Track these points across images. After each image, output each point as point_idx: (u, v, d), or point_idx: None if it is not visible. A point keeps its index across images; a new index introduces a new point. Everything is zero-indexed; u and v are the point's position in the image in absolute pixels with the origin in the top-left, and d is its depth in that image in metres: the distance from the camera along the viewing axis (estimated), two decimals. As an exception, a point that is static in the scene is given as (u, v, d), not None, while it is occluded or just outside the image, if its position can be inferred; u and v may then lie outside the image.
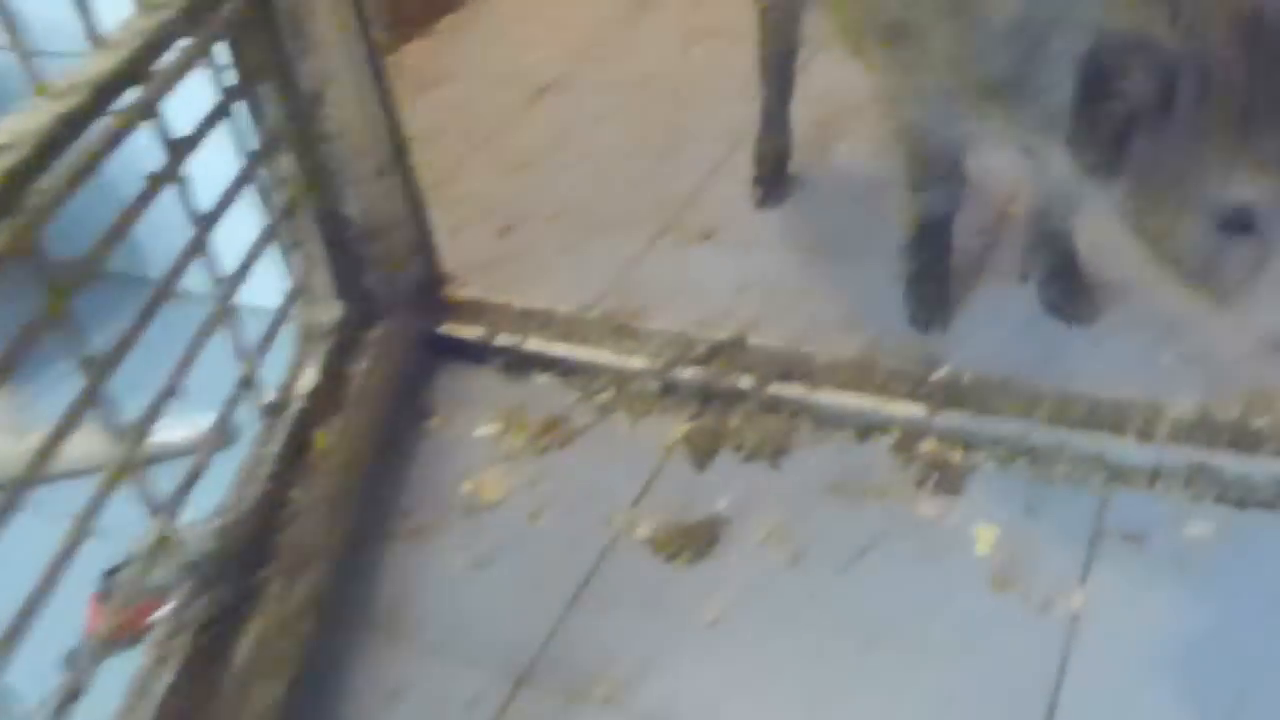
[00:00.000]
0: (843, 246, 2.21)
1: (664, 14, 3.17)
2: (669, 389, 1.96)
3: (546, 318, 2.13)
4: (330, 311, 1.89)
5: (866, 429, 1.82)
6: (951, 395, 1.80)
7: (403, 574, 1.73)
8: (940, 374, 1.84)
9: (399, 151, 2.04)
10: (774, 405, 1.88)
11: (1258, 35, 1.32)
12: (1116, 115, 1.36)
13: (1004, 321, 1.96)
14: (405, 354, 2.07)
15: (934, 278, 2.02)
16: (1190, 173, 1.36)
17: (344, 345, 1.90)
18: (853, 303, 2.06)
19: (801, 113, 2.40)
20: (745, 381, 1.90)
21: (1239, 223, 1.35)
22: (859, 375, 1.87)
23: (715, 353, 1.96)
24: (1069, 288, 1.97)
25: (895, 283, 2.02)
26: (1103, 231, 1.56)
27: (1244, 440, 1.62)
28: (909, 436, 1.79)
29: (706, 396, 1.93)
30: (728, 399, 1.91)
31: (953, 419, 1.77)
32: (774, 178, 2.38)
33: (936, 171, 1.91)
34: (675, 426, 1.89)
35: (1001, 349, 1.90)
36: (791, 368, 1.90)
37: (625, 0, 3.24)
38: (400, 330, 2.05)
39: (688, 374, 1.94)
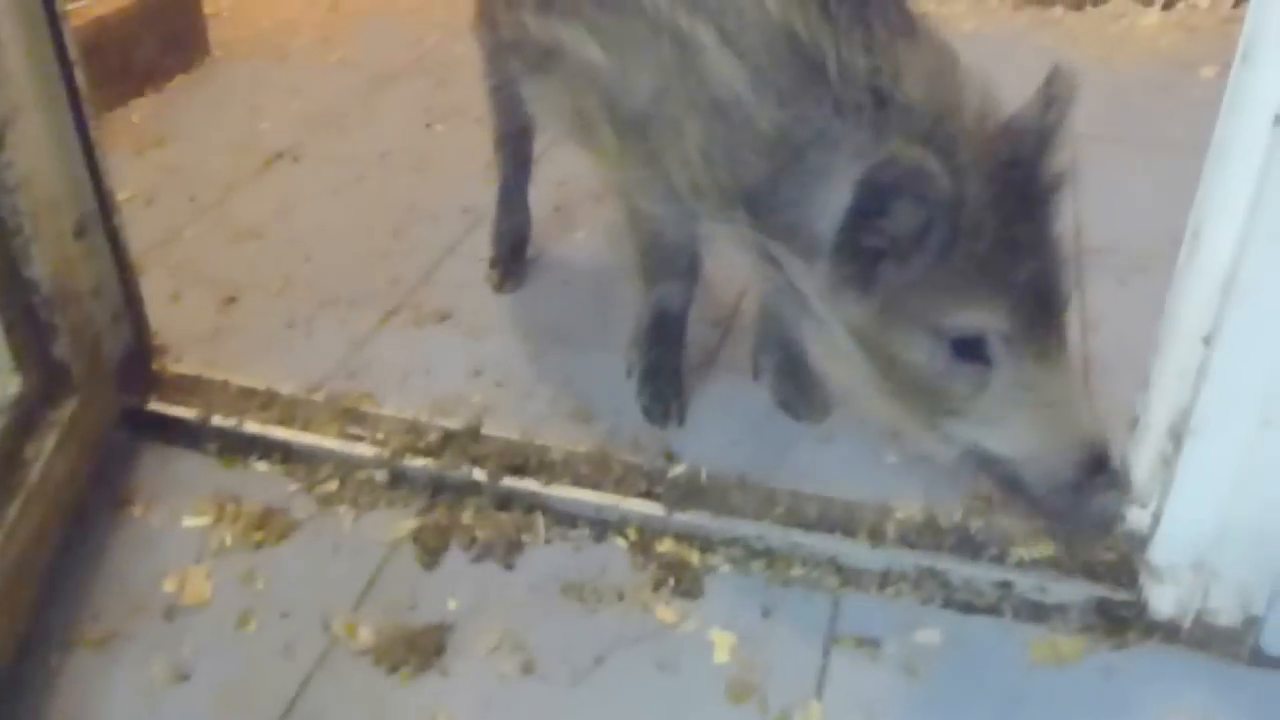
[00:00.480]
0: (580, 334, 2.15)
1: (407, 89, 3.07)
2: (397, 480, 1.81)
3: (267, 398, 1.94)
4: (5, 385, 1.65)
5: (603, 527, 1.74)
6: (689, 493, 1.75)
7: (85, 688, 1.49)
8: (677, 471, 1.79)
9: (104, 209, 1.83)
10: (507, 500, 1.77)
11: (1010, 180, 1.37)
12: (879, 239, 1.37)
13: (738, 417, 1.94)
14: (102, 434, 1.83)
15: (668, 371, 1.98)
16: (931, 298, 1.38)
17: (23, 423, 1.66)
18: (589, 393, 2.00)
19: (541, 196, 2.34)
20: (478, 474, 1.79)
21: (969, 350, 1.38)
22: (595, 470, 1.80)
23: (447, 442, 1.84)
24: (799, 385, 1.97)
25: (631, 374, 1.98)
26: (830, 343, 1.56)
27: (966, 545, 1.64)
28: (646, 536, 1.72)
29: (437, 489, 1.80)
30: (459, 492, 1.79)
31: (690, 518, 1.71)
32: (512, 260, 2.30)
33: (670, 267, 1.89)
34: (402, 521, 1.75)
35: (736, 445, 1.87)
36: (526, 460, 1.80)
37: (368, 72, 3.12)
38: (97, 407, 1.81)
39: (417, 464, 1.81)
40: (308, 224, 2.46)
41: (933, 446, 1.48)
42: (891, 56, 1.45)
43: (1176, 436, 1.51)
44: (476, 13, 2.08)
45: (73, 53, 1.70)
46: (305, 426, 1.89)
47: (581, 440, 1.86)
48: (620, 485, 1.77)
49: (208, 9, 3.31)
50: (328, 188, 2.59)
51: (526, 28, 1.82)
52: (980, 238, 1.35)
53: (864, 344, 1.47)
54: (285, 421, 1.89)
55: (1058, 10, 3.78)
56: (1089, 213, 2.50)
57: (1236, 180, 1.35)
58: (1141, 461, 1.59)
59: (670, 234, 1.81)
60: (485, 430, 1.87)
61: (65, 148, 1.71)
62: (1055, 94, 1.44)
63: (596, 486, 1.77)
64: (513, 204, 2.30)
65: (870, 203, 1.33)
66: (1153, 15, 3.69)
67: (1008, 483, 1.43)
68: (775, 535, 1.69)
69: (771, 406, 1.96)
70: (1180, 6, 3.72)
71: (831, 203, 1.42)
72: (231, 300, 2.22)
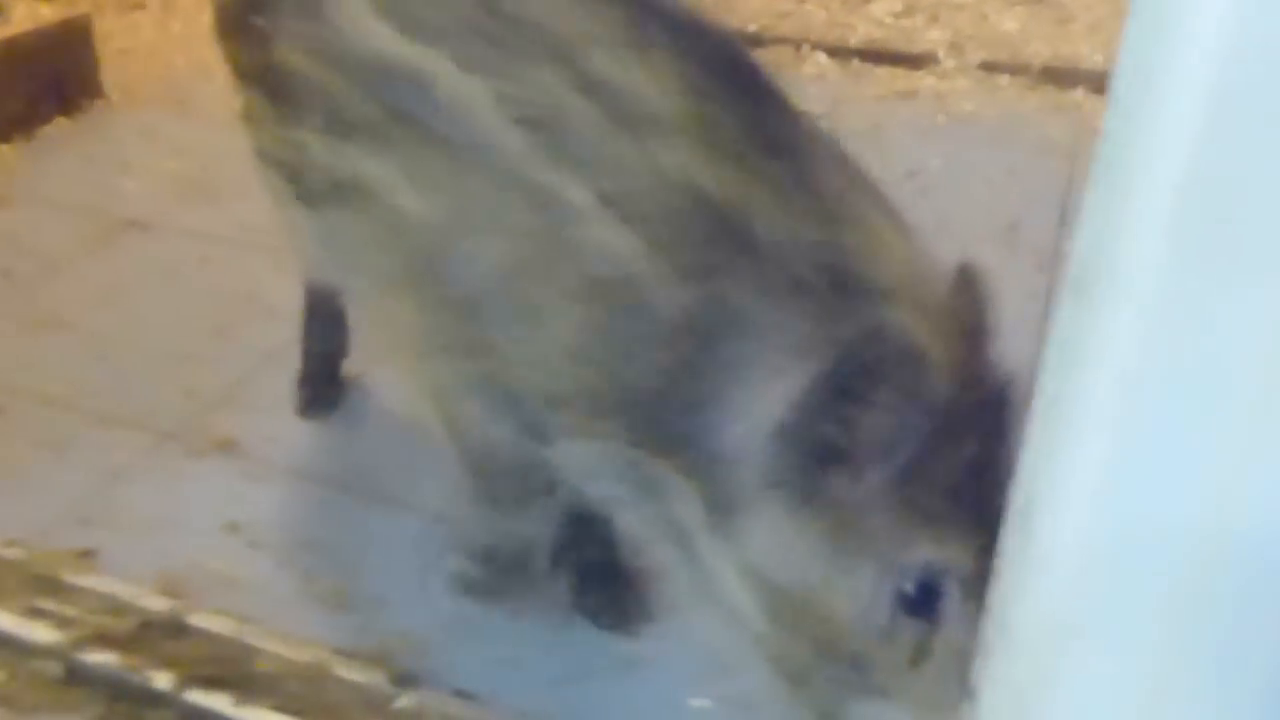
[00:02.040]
0: (387, 486, 1.73)
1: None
2: (73, 677, 1.42)
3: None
4: None
5: (300, 768, 1.33)
6: (411, 735, 1.33)
7: None
8: (405, 703, 1.36)
9: None
10: (193, 719, 1.37)
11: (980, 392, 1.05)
12: (841, 436, 1.03)
13: (523, 625, 1.51)
14: None
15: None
16: (885, 526, 1.04)
17: None
18: (362, 568, 1.58)
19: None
20: (161, 681, 1.38)
21: (921, 601, 1.03)
22: (306, 690, 1.38)
23: (142, 632, 1.44)
24: (610, 587, 1.53)
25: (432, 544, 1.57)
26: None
27: None
28: (345, 788, 1.30)
29: (116, 694, 1.40)
30: (140, 700, 1.39)
31: (404, 773, 1.29)
32: (322, 380, 1.88)
33: (521, 490, 1.41)
34: (63, 734, 1.36)
35: (506, 664, 1.44)
36: (225, 668, 1.40)
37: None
38: None
39: (98, 660, 1.41)
40: (124, 314, 2.08)
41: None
42: (845, 223, 1.10)
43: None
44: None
45: None
46: (-15, 595, 1.50)
47: (308, 642, 1.45)
48: (330, 713, 1.36)
49: (118, 44, 2.97)
50: (166, 268, 2.21)
51: (308, 150, 1.38)
52: (952, 456, 1.01)
53: (762, 588, 1.10)
54: (-37, 586, 1.51)
55: (1078, 93, 3.23)
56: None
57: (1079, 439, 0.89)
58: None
59: (506, 454, 1.35)
60: (199, 618, 1.47)
61: None
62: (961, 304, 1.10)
63: (300, 713, 1.35)
64: (322, 309, 1.83)
65: (845, 384, 1.00)
66: (1181, 107, 3.14)
67: None
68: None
69: (568, 614, 1.53)
70: (1217, 97, 3.16)
71: (752, 406, 1.07)
72: (-7, 407, 1.85)
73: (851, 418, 1.01)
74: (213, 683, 1.38)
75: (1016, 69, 3.35)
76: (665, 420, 1.13)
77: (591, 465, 1.22)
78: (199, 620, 1.46)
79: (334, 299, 1.83)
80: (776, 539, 1.08)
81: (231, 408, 1.87)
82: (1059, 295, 0.89)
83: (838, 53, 3.40)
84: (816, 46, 3.43)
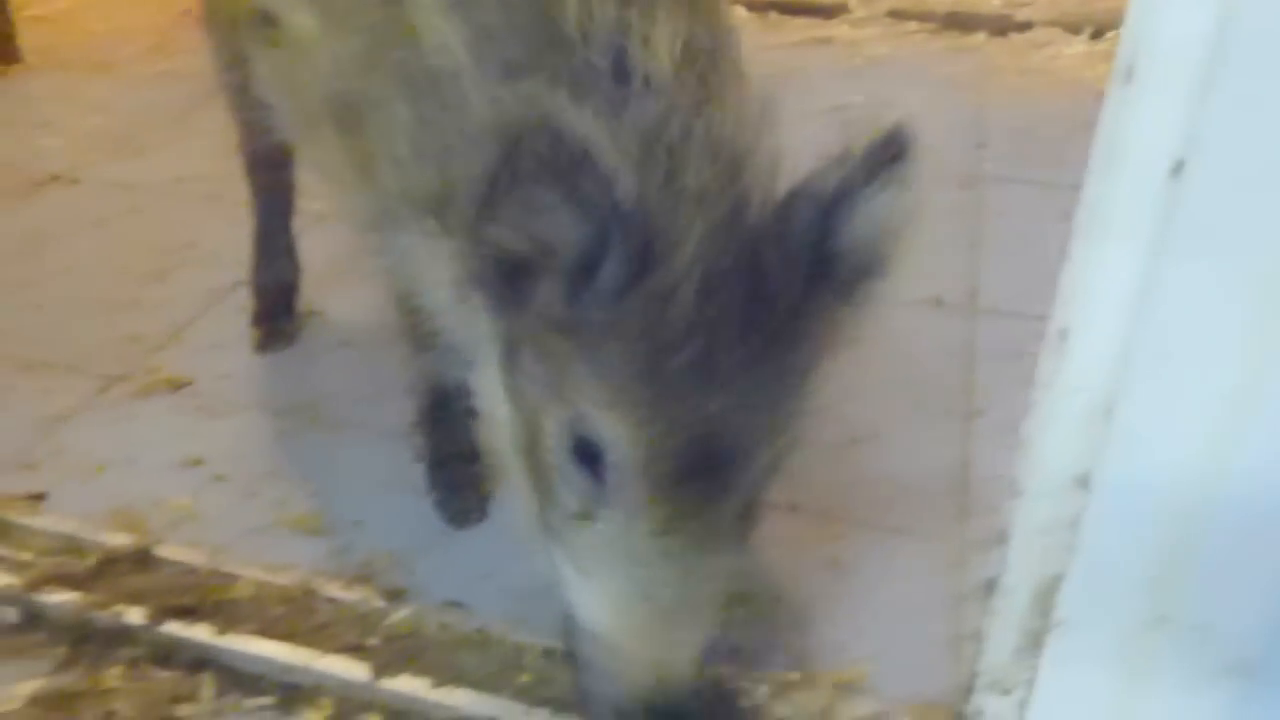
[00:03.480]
0: (348, 414, 1.60)
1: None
2: (32, 621, 1.27)
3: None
4: None
5: (292, 694, 1.20)
6: (407, 651, 1.21)
7: None
8: (397, 617, 1.24)
9: None
10: (169, 653, 1.23)
11: (756, 263, 0.86)
12: (520, 243, 0.87)
13: (506, 536, 1.40)
14: None
15: (460, 457, 1.43)
16: (574, 360, 0.87)
17: None
18: (332, 494, 1.45)
19: (321, 236, 1.79)
20: (132, 615, 1.24)
21: (586, 457, 0.88)
22: (291, 613, 1.25)
23: (103, 569, 1.29)
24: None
25: (398, 465, 1.44)
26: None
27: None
28: (345, 709, 1.18)
29: (80, 636, 1.25)
30: (108, 641, 1.24)
31: (401, 687, 1.17)
32: (277, 316, 1.74)
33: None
34: (25, 682, 1.20)
35: (489, 578, 1.33)
36: (201, 598, 1.26)
37: (190, 88, 2.55)
38: None
39: (59, 599, 1.26)
40: (57, 263, 1.90)
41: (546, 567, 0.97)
42: (650, 15, 0.95)
43: (1044, 611, 0.98)
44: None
45: None
46: (-75, 541, 1.34)
47: (288, 566, 1.32)
48: (320, 635, 1.23)
49: (34, 11, 2.76)
50: (96, 218, 2.03)
51: None
52: (675, 312, 0.83)
53: (507, 406, 0.98)
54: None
55: (979, 36, 3.22)
56: (988, 268, 1.98)
57: (1118, 262, 0.82)
58: (1002, 637, 1.06)
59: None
60: (167, 550, 1.33)
61: None
62: (877, 160, 0.90)
63: (288, 637, 1.23)
64: (273, 246, 1.73)
65: (506, 183, 0.83)
66: (1079, 44, 3.13)
67: (570, 658, 0.96)
68: (515, 716, 1.15)
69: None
70: (1111, 35, 3.16)
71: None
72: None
73: (521, 221, 0.85)
74: (188, 614, 1.24)
75: (923, 16, 3.33)
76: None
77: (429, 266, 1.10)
78: (167, 553, 1.32)
79: (287, 219, 1.71)
80: (507, 357, 0.97)
81: (180, 349, 1.71)
82: (1107, 89, 0.82)
83: (755, 5, 3.34)
84: (735, 1, 3.37)
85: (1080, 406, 0.89)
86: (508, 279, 0.89)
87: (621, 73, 0.93)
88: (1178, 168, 0.76)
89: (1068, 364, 0.88)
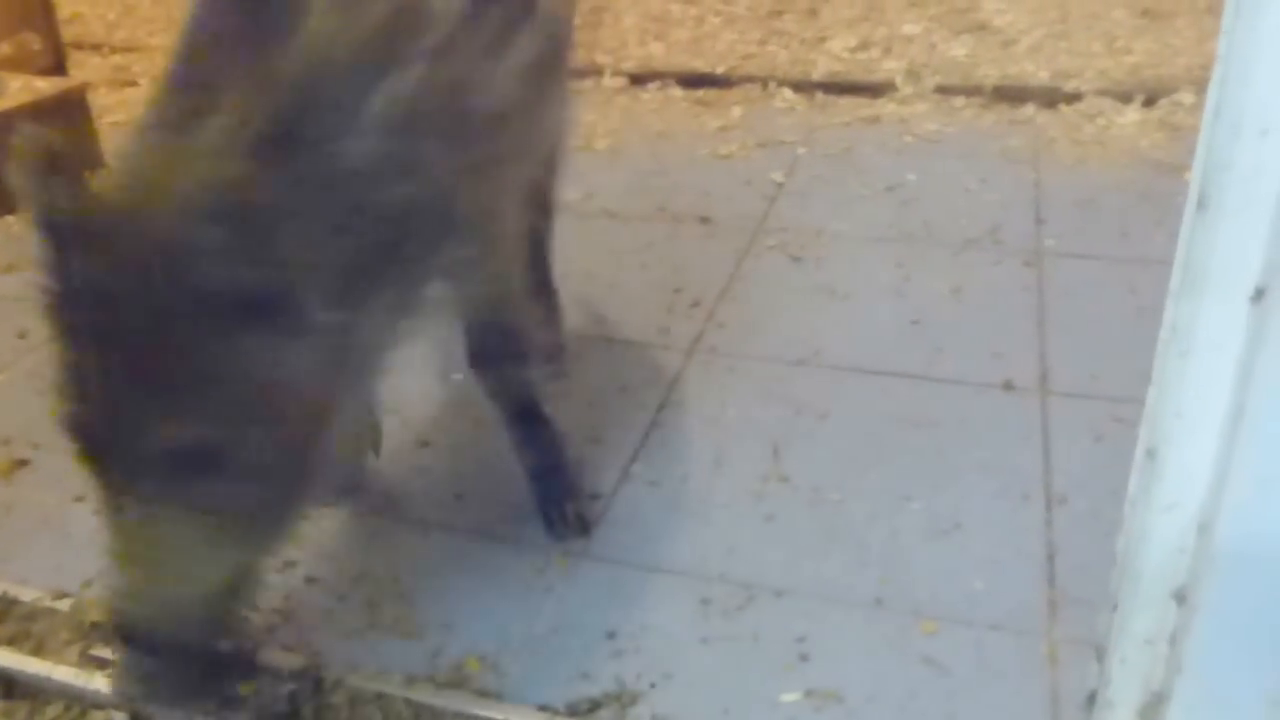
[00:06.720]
0: (423, 514, 1.62)
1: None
2: (136, 728, 1.30)
3: None
4: None
5: None
6: None
7: None
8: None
9: None
10: (272, 760, 1.25)
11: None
12: None
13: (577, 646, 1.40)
14: None
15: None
16: None
17: None
18: (417, 595, 1.47)
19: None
20: (236, 724, 1.26)
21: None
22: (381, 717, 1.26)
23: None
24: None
25: (484, 565, 1.46)
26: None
27: None
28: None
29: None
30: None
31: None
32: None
33: None
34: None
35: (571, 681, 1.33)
36: (298, 703, 1.28)
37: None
38: None
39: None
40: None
41: None
42: None
43: (1150, 720, 0.96)
44: None
45: None
46: None
47: (382, 672, 1.33)
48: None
49: (114, 118, 2.87)
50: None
51: None
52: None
53: None
54: None
55: (1029, 109, 3.22)
56: (1056, 347, 1.96)
57: (1208, 384, 0.82)
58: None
59: None
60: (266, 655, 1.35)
61: None
62: None
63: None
64: None
65: None
66: (1132, 113, 3.13)
67: None
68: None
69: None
70: (1163, 103, 3.16)
71: None
72: None
73: None
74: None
75: (970, 90, 3.35)
76: None
77: None
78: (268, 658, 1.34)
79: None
80: None
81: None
82: (1183, 218, 0.83)
83: (803, 87, 3.39)
84: (782, 83, 3.42)
85: (1174, 523, 0.88)
86: None
87: None
88: (1259, 295, 0.77)
89: (1159, 483, 0.88)
